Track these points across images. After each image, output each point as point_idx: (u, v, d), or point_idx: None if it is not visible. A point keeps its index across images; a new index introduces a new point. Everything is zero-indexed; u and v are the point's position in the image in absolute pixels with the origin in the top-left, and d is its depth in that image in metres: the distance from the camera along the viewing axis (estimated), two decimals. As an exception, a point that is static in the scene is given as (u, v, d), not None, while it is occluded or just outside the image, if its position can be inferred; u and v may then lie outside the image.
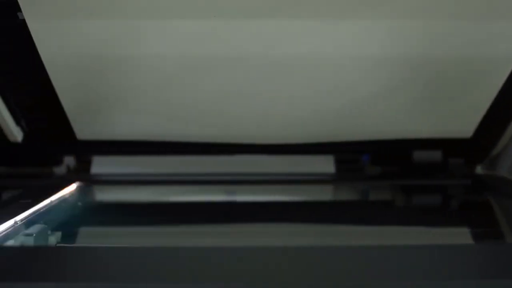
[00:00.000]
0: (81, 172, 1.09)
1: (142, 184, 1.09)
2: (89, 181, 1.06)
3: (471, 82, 0.92)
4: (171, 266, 0.55)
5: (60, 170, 1.09)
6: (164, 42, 0.83)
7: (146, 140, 1.03)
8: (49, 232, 0.73)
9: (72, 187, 0.95)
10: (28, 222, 0.74)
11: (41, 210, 0.77)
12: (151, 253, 0.60)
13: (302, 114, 1.00)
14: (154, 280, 0.52)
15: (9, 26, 0.82)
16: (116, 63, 0.86)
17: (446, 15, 0.80)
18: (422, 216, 1.00)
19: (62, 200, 0.86)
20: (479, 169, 1.10)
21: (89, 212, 0.96)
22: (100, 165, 1.09)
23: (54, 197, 0.87)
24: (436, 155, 1.07)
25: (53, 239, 0.73)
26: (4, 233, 0.67)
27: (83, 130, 1.01)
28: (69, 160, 1.09)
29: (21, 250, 0.66)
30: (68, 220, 0.84)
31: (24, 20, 0.78)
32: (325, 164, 1.10)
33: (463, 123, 1.02)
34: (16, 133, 0.99)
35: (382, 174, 1.11)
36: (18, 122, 0.99)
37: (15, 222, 0.71)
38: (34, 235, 0.70)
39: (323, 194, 1.14)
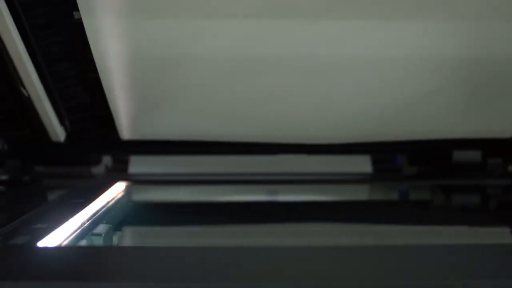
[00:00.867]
0: (119, 172, 1.09)
1: (181, 183, 1.09)
2: (130, 180, 1.06)
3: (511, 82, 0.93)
4: (237, 266, 0.55)
5: (98, 169, 1.09)
6: (213, 43, 0.83)
7: (189, 140, 1.04)
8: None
9: (119, 186, 0.95)
10: (93, 222, 0.74)
11: (101, 210, 0.77)
12: (212, 253, 0.59)
13: (344, 114, 1.00)
14: (219, 280, 0.51)
15: (64, 26, 0.82)
16: (166, 63, 0.86)
17: (488, 16, 0.81)
18: (461, 215, 1.00)
19: (116, 200, 0.86)
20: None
21: (137, 212, 0.96)
22: (138, 165, 1.09)
23: (104, 197, 0.87)
24: (475, 155, 1.07)
25: (116, 239, 0.74)
26: (75, 233, 0.67)
27: (127, 130, 1.01)
28: (107, 160, 1.09)
29: (97, 250, 0.66)
30: (121, 220, 0.84)
31: (79, 20, 0.78)
32: (363, 164, 1.11)
33: (502, 123, 1.02)
34: (59, 133, 0.99)
35: (419, 174, 1.12)
36: (62, 122, 0.99)
37: (83, 223, 0.71)
38: (103, 235, 0.70)
39: (361, 194, 1.15)
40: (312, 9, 0.79)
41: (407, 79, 0.92)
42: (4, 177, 1.02)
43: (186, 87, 0.92)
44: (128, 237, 0.81)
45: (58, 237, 0.66)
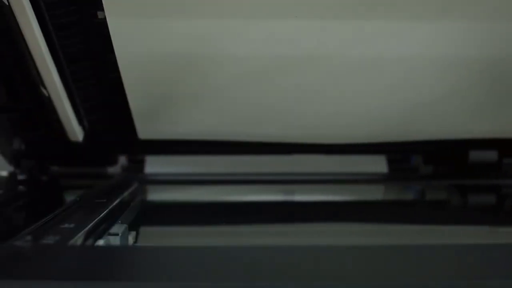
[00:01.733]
0: (136, 172, 1.09)
1: (197, 183, 1.09)
2: (145, 180, 1.06)
3: None
4: (255, 265, 0.54)
5: (115, 169, 1.09)
6: (238, 42, 0.83)
7: (205, 139, 1.04)
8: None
9: (135, 186, 0.95)
10: (110, 222, 0.74)
11: (116, 210, 0.77)
12: (228, 252, 0.58)
13: (359, 114, 1.00)
14: (237, 279, 0.51)
15: (87, 25, 0.82)
16: (190, 62, 0.86)
17: (504, 16, 0.81)
18: (477, 215, 1.01)
19: (131, 200, 0.86)
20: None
21: (152, 211, 0.96)
22: (154, 165, 1.10)
23: (122, 197, 0.87)
24: (492, 155, 1.08)
25: (131, 238, 0.74)
26: (94, 233, 0.67)
27: (146, 130, 1.01)
28: (123, 160, 1.10)
29: (130, 249, 0.66)
30: (135, 219, 0.84)
31: (103, 19, 0.78)
32: (379, 164, 1.11)
33: None
34: (77, 133, 0.98)
35: (435, 174, 1.12)
36: (80, 122, 0.98)
37: (102, 222, 0.71)
38: (120, 234, 0.70)
39: (377, 194, 1.15)
40: (331, 10, 0.79)
41: (423, 79, 0.93)
42: (22, 177, 1.02)
43: (205, 87, 0.92)
44: (142, 237, 0.81)
45: (83, 236, 0.66)
